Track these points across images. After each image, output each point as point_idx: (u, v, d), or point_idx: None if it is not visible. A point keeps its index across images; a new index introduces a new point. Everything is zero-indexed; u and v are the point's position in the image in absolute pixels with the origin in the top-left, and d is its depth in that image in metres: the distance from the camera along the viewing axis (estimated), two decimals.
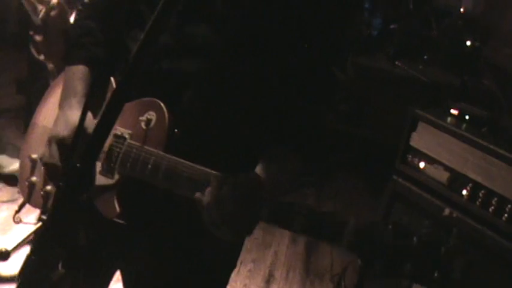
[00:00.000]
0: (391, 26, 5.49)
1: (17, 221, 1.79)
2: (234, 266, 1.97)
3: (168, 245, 1.80)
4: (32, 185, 1.83)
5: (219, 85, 1.70)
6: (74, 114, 1.73)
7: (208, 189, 1.49)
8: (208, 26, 1.68)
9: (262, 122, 1.74)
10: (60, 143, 1.70)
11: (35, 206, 1.83)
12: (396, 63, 5.30)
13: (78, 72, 1.83)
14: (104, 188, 1.67)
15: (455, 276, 1.32)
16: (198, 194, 1.51)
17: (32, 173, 1.85)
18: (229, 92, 1.70)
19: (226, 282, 1.96)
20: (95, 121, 1.33)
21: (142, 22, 1.73)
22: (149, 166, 1.62)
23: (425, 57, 5.42)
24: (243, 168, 1.57)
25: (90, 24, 1.89)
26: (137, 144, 1.66)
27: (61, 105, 1.79)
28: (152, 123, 1.66)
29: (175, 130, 1.66)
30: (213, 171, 1.53)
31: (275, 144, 1.71)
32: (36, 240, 1.36)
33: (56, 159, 1.69)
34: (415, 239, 1.35)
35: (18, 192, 1.90)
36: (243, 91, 1.71)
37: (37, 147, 1.86)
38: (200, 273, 1.83)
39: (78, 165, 1.22)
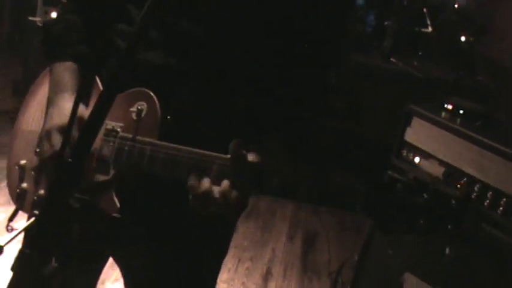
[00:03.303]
0: (385, 23, 5.49)
1: (10, 229, 1.76)
2: (225, 254, 1.98)
3: (159, 233, 1.81)
4: (23, 192, 1.80)
5: (211, 80, 1.71)
6: (68, 106, 1.70)
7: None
8: (200, 22, 1.69)
9: (255, 124, 1.75)
10: (61, 131, 1.67)
11: (28, 212, 1.81)
12: (391, 59, 5.30)
13: (67, 68, 1.79)
14: (101, 185, 1.66)
15: (468, 226, 1.37)
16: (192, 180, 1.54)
17: (21, 180, 1.81)
18: (221, 87, 1.71)
19: (218, 270, 1.98)
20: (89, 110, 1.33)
21: (128, 16, 1.74)
22: (146, 156, 1.61)
23: (419, 53, 5.43)
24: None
25: (75, 19, 1.85)
26: (130, 136, 1.65)
27: (52, 101, 1.75)
28: (143, 113, 1.65)
29: (168, 117, 1.66)
30: (214, 154, 1.56)
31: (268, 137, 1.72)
32: (29, 234, 1.36)
33: (59, 146, 1.65)
34: (425, 195, 1.40)
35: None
36: (235, 85, 1.71)
37: (24, 154, 1.82)
38: (192, 260, 1.85)
39: (69, 160, 1.22)
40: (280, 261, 4.37)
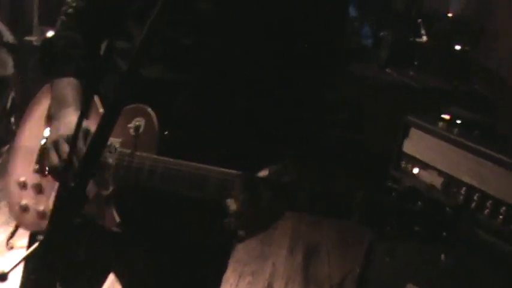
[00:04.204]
0: (381, 34, 5.51)
1: (9, 247, 1.76)
2: (226, 268, 1.98)
3: (161, 248, 1.82)
4: (23, 208, 1.80)
5: (211, 81, 1.71)
6: (74, 120, 1.68)
7: (236, 194, 1.53)
8: (196, 35, 1.70)
9: (256, 124, 1.75)
10: (69, 141, 1.67)
11: (28, 229, 1.81)
12: (387, 70, 5.32)
13: (69, 84, 1.80)
14: (100, 200, 1.66)
15: (462, 232, 1.38)
16: (228, 201, 1.55)
17: (21, 197, 1.81)
18: (221, 87, 1.71)
19: (218, 284, 1.97)
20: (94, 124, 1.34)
21: (127, 32, 1.74)
22: (144, 171, 1.62)
23: (415, 63, 5.44)
24: (238, 167, 1.58)
25: (75, 36, 1.86)
26: (128, 151, 1.66)
27: (56, 116, 1.76)
28: (141, 128, 1.66)
29: (165, 132, 1.66)
30: (213, 168, 1.56)
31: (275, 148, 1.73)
32: (34, 259, 1.36)
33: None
34: (419, 202, 1.40)
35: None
36: (235, 85, 1.72)
37: (24, 170, 1.83)
38: (192, 273, 1.85)
39: (72, 184, 1.22)
40: (281, 275, 4.35)
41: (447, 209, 1.40)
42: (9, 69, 3.56)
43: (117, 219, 1.66)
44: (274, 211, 1.60)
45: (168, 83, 1.71)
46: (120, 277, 1.98)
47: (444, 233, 1.39)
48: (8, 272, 1.35)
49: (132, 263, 1.89)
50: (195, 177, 1.57)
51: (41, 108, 1.88)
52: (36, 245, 1.43)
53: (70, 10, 1.90)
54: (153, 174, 1.61)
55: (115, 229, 1.67)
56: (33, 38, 5.39)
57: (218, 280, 1.97)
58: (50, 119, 1.79)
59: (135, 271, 1.91)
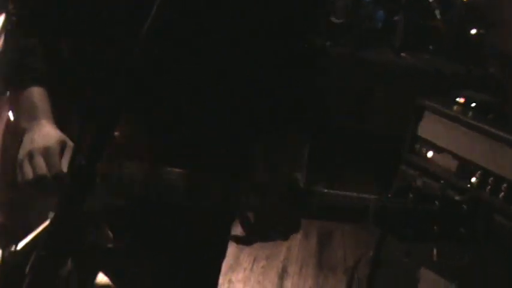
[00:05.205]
0: (395, 18, 5.46)
1: None
2: (224, 256, 1.97)
3: (159, 248, 1.79)
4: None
5: (211, 81, 1.69)
6: (49, 130, 1.62)
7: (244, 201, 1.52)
8: (196, 34, 1.66)
9: (256, 124, 1.75)
10: (44, 153, 1.56)
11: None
12: (402, 54, 5.29)
13: (35, 95, 1.69)
14: (91, 217, 1.53)
15: (481, 228, 1.40)
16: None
17: None
18: (221, 87, 1.70)
19: (218, 272, 1.98)
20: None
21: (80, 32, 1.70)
22: (137, 182, 1.54)
23: (430, 47, 5.41)
24: (236, 166, 1.56)
25: (27, 42, 1.76)
26: (116, 162, 1.55)
27: (28, 128, 1.64)
28: (127, 136, 1.56)
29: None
30: (219, 175, 1.53)
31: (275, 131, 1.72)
32: (45, 237, 1.36)
33: (44, 168, 1.54)
34: (436, 202, 1.42)
35: None
36: (233, 96, 1.71)
37: None
38: (192, 273, 1.84)
39: (82, 163, 1.23)
40: (295, 259, 4.37)
41: (464, 206, 1.42)
42: None
43: (111, 235, 1.57)
44: (286, 219, 1.59)
45: (167, 83, 1.68)
46: (113, 278, 1.94)
47: (462, 230, 1.41)
48: (18, 250, 1.36)
49: (129, 264, 1.85)
50: (196, 186, 1.53)
51: (3, 120, 1.79)
52: (47, 223, 1.41)
53: (14, 18, 1.82)
54: (147, 185, 1.54)
55: (109, 245, 1.58)
56: None
57: (217, 269, 1.98)
58: (18, 131, 1.67)
59: (132, 272, 1.88)
